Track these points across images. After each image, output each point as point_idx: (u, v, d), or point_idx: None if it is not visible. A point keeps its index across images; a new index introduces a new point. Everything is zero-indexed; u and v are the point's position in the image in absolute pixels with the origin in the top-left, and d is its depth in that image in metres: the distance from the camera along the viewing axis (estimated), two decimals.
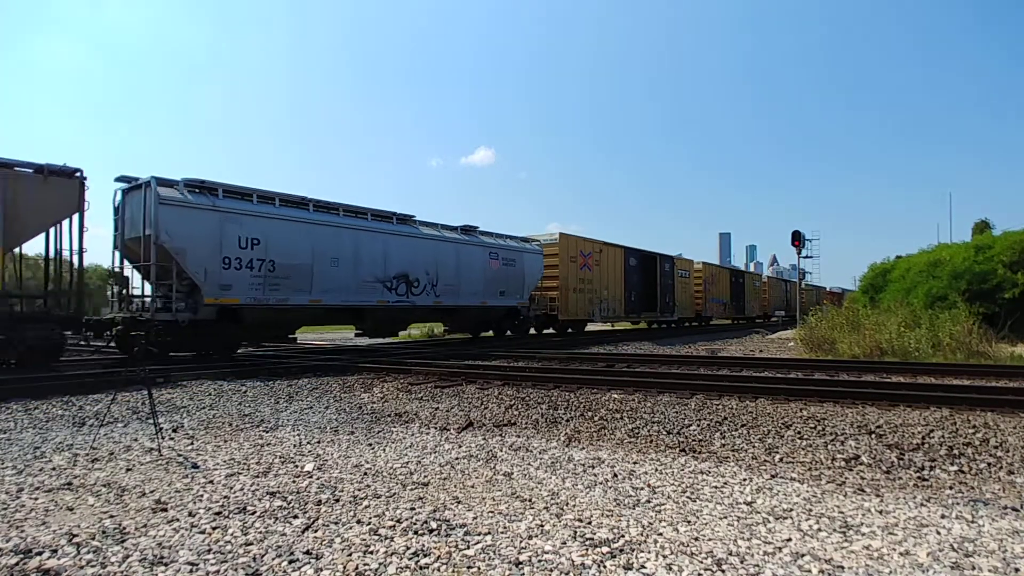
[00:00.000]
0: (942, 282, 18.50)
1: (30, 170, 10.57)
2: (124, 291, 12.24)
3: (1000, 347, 13.81)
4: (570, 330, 23.75)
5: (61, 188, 10.90)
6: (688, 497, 3.80)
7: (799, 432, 5.62)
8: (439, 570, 2.74)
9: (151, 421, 5.63)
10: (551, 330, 23.29)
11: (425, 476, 4.32)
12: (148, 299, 12.03)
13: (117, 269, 12.32)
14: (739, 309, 38.50)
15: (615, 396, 7.75)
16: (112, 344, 12.44)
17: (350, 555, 2.90)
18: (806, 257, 31.20)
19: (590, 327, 25.98)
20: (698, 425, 6.01)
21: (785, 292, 43.49)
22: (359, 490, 3.96)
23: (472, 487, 4.05)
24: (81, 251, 11.30)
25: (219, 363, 11.56)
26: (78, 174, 11.13)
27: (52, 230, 11.13)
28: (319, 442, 5.45)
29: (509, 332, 20.65)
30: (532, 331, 22.03)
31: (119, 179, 12.01)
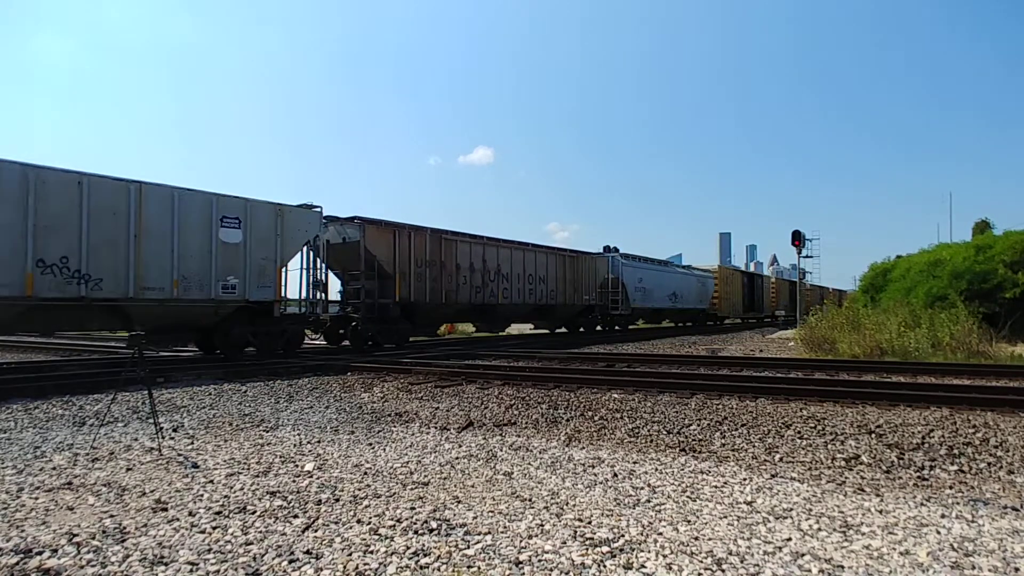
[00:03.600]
0: (942, 282, 18.49)
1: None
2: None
3: (1000, 347, 13.81)
4: (717, 322, 38.47)
5: None
6: (688, 497, 3.80)
7: (799, 432, 5.62)
8: (439, 570, 2.74)
9: (151, 421, 5.63)
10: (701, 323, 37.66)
11: (425, 476, 4.32)
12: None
13: (600, 290, 25.41)
14: (792, 308, 52.53)
15: (615, 396, 7.75)
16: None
17: (350, 555, 2.90)
18: (806, 257, 31.26)
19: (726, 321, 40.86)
20: (698, 425, 6.01)
21: (821, 296, 53.14)
22: (359, 490, 3.96)
23: (472, 487, 4.05)
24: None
25: (220, 363, 11.58)
26: None
27: None
28: (319, 442, 5.45)
29: (693, 323, 36.23)
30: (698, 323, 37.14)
31: (608, 249, 26.84)
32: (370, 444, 5.37)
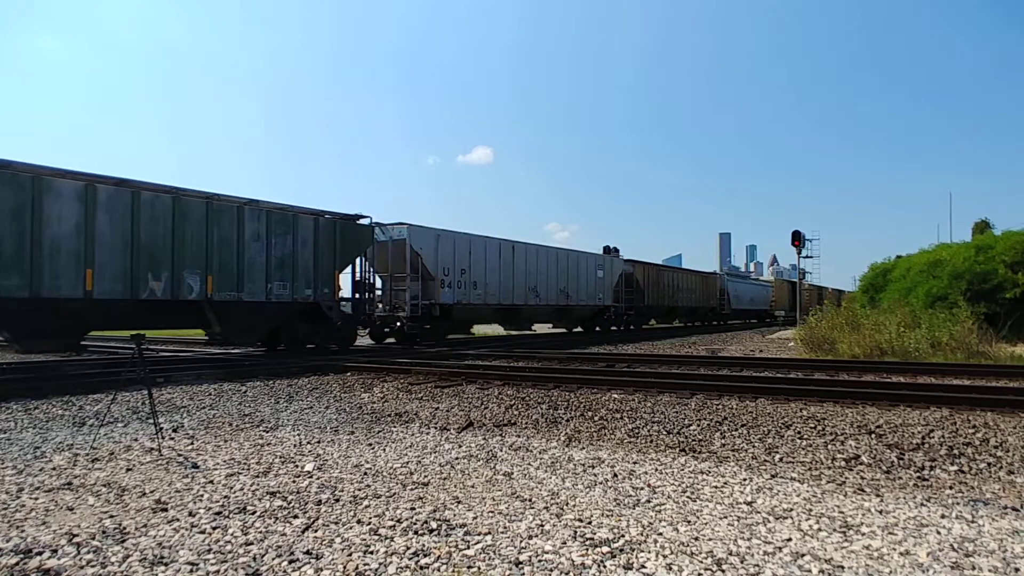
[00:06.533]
0: (942, 282, 18.49)
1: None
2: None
3: (1000, 347, 13.81)
4: (771, 319, 49.11)
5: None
6: (688, 497, 3.80)
7: (799, 432, 5.62)
8: (439, 570, 2.74)
9: (151, 421, 5.63)
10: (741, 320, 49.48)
11: (425, 476, 4.32)
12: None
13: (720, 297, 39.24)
14: (820, 308, 57.13)
15: (615, 396, 7.75)
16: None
17: (350, 555, 2.90)
18: (806, 257, 31.34)
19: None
20: (698, 425, 6.01)
21: (838, 299, 57.87)
22: (359, 490, 3.96)
23: (472, 487, 4.05)
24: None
25: (220, 364, 11.62)
26: None
27: None
28: (319, 442, 5.45)
29: (758, 319, 47.61)
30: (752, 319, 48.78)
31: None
32: (370, 444, 5.37)
